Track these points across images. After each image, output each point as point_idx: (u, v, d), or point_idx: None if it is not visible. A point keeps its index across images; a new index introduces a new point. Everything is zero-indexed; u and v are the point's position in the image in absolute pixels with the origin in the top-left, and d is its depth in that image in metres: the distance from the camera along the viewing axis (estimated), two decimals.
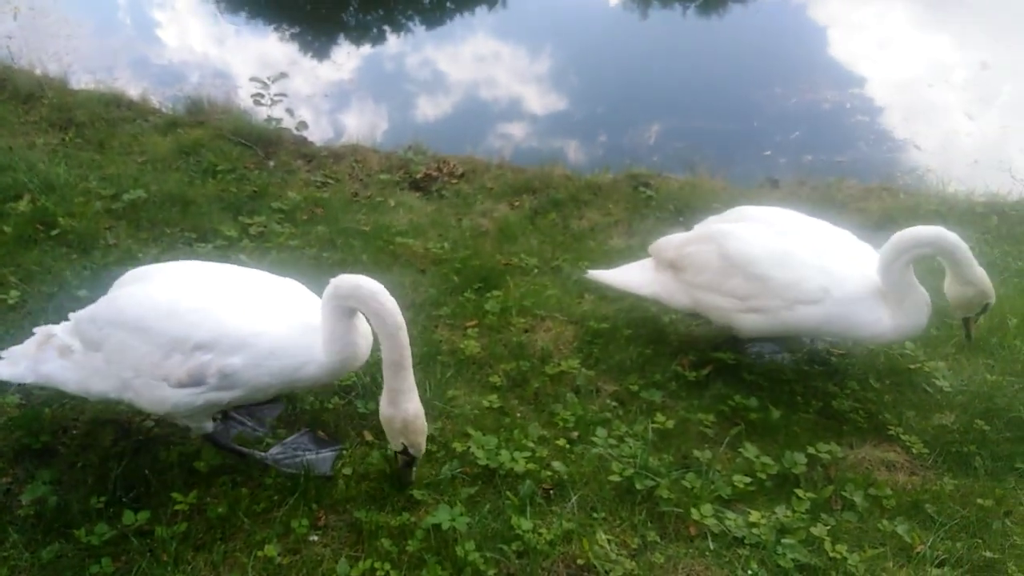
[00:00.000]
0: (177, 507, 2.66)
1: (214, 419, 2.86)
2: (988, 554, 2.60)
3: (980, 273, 3.12)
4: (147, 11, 12.33)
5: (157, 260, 4.17)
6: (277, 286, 2.79)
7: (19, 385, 2.96)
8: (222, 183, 5.12)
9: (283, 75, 6.03)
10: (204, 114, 6.13)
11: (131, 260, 4.14)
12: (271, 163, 5.55)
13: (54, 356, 2.75)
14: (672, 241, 3.59)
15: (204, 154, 5.44)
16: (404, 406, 2.56)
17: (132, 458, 2.86)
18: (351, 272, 2.88)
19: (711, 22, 12.32)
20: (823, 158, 7.30)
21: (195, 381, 2.54)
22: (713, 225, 3.52)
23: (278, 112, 5.92)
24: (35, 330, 2.90)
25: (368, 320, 2.62)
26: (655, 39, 11.41)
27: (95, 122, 5.87)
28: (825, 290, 3.15)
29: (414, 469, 2.77)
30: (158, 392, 2.58)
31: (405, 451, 2.66)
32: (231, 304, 2.61)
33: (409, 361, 2.54)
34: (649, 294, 3.61)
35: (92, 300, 3.72)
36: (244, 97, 6.55)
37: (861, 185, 5.90)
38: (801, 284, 3.17)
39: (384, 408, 2.60)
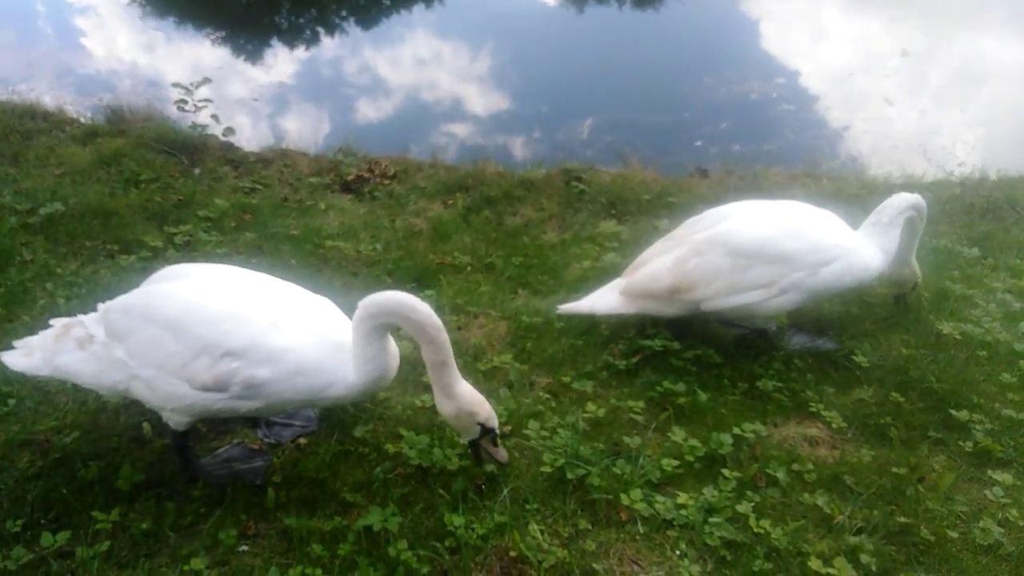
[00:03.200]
0: (99, 526, 2.58)
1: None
2: (902, 519, 2.71)
3: (913, 257, 3.73)
4: (68, 19, 11.95)
5: (77, 275, 4.08)
6: (310, 302, 2.77)
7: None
8: (145, 193, 4.99)
9: (207, 80, 5.91)
10: (125, 123, 5.97)
11: (49, 276, 4.02)
12: (197, 171, 5.43)
13: (72, 348, 2.72)
14: (657, 271, 3.51)
15: (126, 164, 5.30)
16: (458, 392, 2.62)
17: (49, 478, 2.77)
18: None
19: (645, 16, 12.52)
20: (751, 147, 7.49)
21: (219, 387, 2.53)
22: (703, 234, 3.50)
23: (203, 118, 5.80)
24: (52, 322, 2.86)
25: (410, 332, 2.62)
26: (589, 34, 11.54)
27: (9, 135, 5.66)
28: (837, 245, 3.42)
29: (499, 441, 2.77)
30: (177, 390, 2.55)
31: (483, 430, 2.69)
32: (266, 316, 2.58)
33: (452, 356, 2.61)
34: (636, 311, 3.62)
35: (6, 318, 3.67)
36: (168, 104, 6.39)
37: (786, 172, 6.08)
38: (819, 246, 3.40)
39: (443, 405, 2.66)
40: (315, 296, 2.83)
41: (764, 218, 3.50)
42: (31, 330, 3.53)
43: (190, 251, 4.43)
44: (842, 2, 13.00)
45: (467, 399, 2.64)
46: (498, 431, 2.74)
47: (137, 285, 2.89)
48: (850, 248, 3.45)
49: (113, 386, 2.69)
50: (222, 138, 5.84)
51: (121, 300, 2.73)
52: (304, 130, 8.18)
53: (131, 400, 2.82)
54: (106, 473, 2.81)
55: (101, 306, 2.81)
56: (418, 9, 12.78)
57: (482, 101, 9.65)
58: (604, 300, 3.69)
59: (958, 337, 3.73)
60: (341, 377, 2.61)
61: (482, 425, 2.68)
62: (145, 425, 3.05)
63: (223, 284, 2.72)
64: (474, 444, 2.77)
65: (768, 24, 11.71)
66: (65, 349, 2.74)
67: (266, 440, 3.08)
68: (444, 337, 2.58)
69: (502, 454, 2.79)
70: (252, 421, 3.11)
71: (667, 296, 3.50)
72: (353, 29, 12.15)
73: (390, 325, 2.61)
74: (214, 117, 5.84)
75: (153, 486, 2.79)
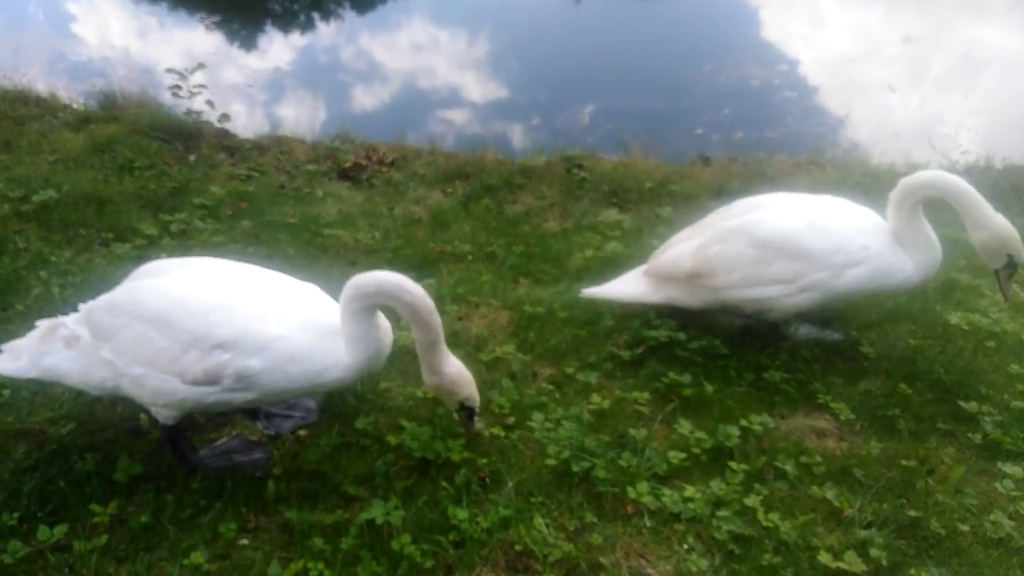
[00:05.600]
0: (96, 519, 2.54)
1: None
2: (912, 513, 2.67)
3: (991, 215, 3.18)
4: (60, 4, 11.79)
5: (72, 263, 4.01)
6: (297, 288, 2.74)
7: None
8: (140, 180, 4.91)
9: (201, 66, 5.81)
10: (119, 109, 5.87)
11: (43, 264, 3.96)
12: (192, 157, 5.34)
13: (60, 347, 2.68)
14: (679, 254, 3.45)
15: (120, 150, 5.21)
16: (445, 371, 2.67)
17: (46, 470, 2.72)
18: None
19: (644, 2, 12.40)
20: (753, 134, 7.43)
21: (211, 380, 2.49)
22: (729, 222, 3.41)
23: (198, 104, 5.71)
24: (37, 323, 2.81)
25: (401, 313, 2.61)
26: (588, 20, 11.44)
27: (1, 120, 5.57)
28: (865, 248, 3.24)
29: (477, 419, 2.85)
30: (167, 386, 2.51)
31: (463, 406, 2.77)
32: (254, 305, 2.56)
33: (442, 335, 2.64)
34: (661, 300, 3.53)
35: (1, 308, 3.60)
36: (162, 90, 6.29)
37: (790, 160, 6.02)
38: (845, 247, 3.23)
39: (429, 379, 2.71)
40: (301, 282, 2.79)
41: (793, 212, 3.36)
42: (25, 318, 3.49)
43: (186, 239, 4.36)
44: None
45: (451, 378, 2.69)
46: (477, 411, 2.81)
47: (130, 274, 2.84)
48: (879, 252, 3.26)
49: (101, 384, 2.64)
50: (217, 125, 5.75)
51: (104, 299, 2.67)
52: (300, 116, 8.09)
53: (121, 397, 2.76)
54: (103, 465, 2.77)
55: (83, 306, 2.75)
56: None
57: (479, 88, 9.55)
58: (629, 286, 3.63)
59: (965, 327, 3.70)
60: (335, 360, 2.58)
61: (461, 403, 2.75)
62: (143, 416, 3.00)
63: (207, 276, 2.68)
64: (456, 412, 2.85)
65: (769, 11, 11.61)
66: (52, 349, 2.69)
67: (265, 432, 3.03)
68: (436, 319, 2.59)
69: (472, 429, 2.86)
70: (251, 412, 3.06)
71: (687, 281, 3.43)
72: (348, 14, 12.03)
73: (380, 305, 2.59)
74: (209, 103, 5.75)
75: (151, 478, 2.75)
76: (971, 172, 5.61)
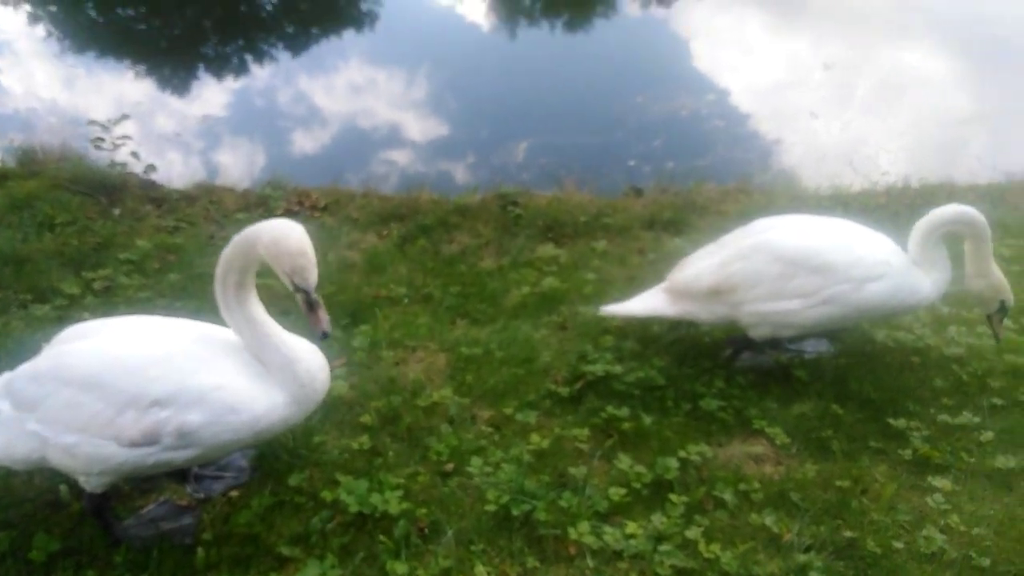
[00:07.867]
0: None
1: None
2: (848, 534, 2.70)
3: (993, 268, 3.45)
4: None
5: None
6: (226, 336, 2.66)
7: None
8: (61, 237, 4.74)
9: (125, 116, 5.69)
10: (38, 164, 5.68)
11: None
12: (116, 211, 5.20)
13: None
14: (700, 271, 3.52)
15: (39, 207, 5.03)
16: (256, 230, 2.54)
17: None
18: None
19: (576, 38, 12.66)
20: (684, 164, 7.58)
21: (149, 440, 2.38)
22: (750, 240, 3.49)
23: (123, 156, 5.57)
24: None
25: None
26: (522, 58, 11.61)
27: None
28: (886, 263, 3.37)
29: (321, 309, 2.54)
30: (103, 451, 2.39)
31: (296, 289, 2.51)
32: (187, 357, 2.49)
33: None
34: (676, 313, 3.60)
35: None
36: (86, 143, 6.12)
37: (719, 188, 6.15)
38: (865, 260, 3.35)
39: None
40: (225, 329, 2.70)
41: (811, 229, 3.50)
42: None
43: (110, 296, 4.21)
44: (768, 21, 13.39)
45: (275, 237, 2.56)
46: (313, 293, 2.53)
47: (51, 336, 2.72)
48: (899, 270, 3.39)
49: (26, 457, 2.50)
50: (143, 176, 5.61)
51: (27, 368, 2.56)
52: (236, 163, 7.99)
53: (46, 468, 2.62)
54: (18, 543, 2.62)
55: (0, 378, 2.62)
56: (348, 35, 12.66)
57: (418, 127, 9.57)
58: (647, 301, 3.70)
59: (891, 344, 3.80)
60: (273, 403, 2.50)
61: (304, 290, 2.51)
62: (62, 487, 2.86)
63: (135, 334, 2.59)
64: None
65: (696, 43, 11.97)
66: None
67: (195, 495, 2.91)
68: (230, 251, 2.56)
69: (325, 328, 2.55)
70: (180, 475, 2.94)
71: (706, 296, 3.49)
72: (283, 55, 11.96)
73: (245, 273, 2.58)
74: (134, 154, 5.61)
75: (72, 554, 2.61)
76: (890, 193, 5.83)
